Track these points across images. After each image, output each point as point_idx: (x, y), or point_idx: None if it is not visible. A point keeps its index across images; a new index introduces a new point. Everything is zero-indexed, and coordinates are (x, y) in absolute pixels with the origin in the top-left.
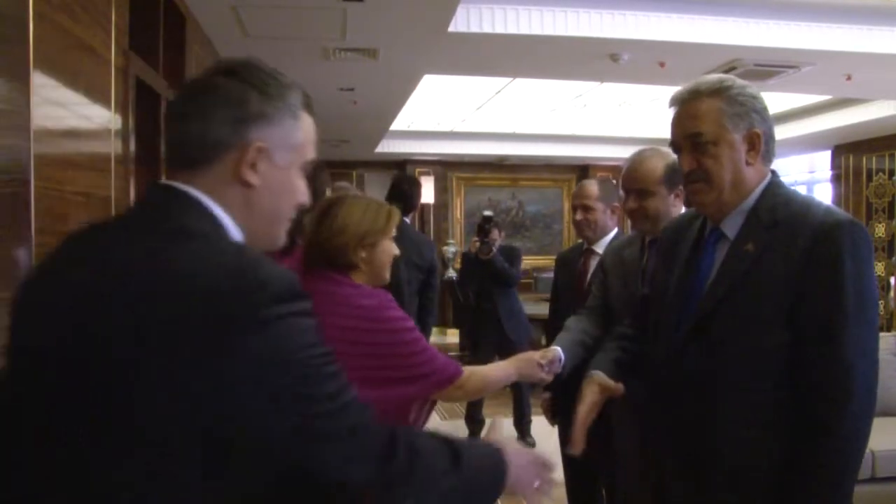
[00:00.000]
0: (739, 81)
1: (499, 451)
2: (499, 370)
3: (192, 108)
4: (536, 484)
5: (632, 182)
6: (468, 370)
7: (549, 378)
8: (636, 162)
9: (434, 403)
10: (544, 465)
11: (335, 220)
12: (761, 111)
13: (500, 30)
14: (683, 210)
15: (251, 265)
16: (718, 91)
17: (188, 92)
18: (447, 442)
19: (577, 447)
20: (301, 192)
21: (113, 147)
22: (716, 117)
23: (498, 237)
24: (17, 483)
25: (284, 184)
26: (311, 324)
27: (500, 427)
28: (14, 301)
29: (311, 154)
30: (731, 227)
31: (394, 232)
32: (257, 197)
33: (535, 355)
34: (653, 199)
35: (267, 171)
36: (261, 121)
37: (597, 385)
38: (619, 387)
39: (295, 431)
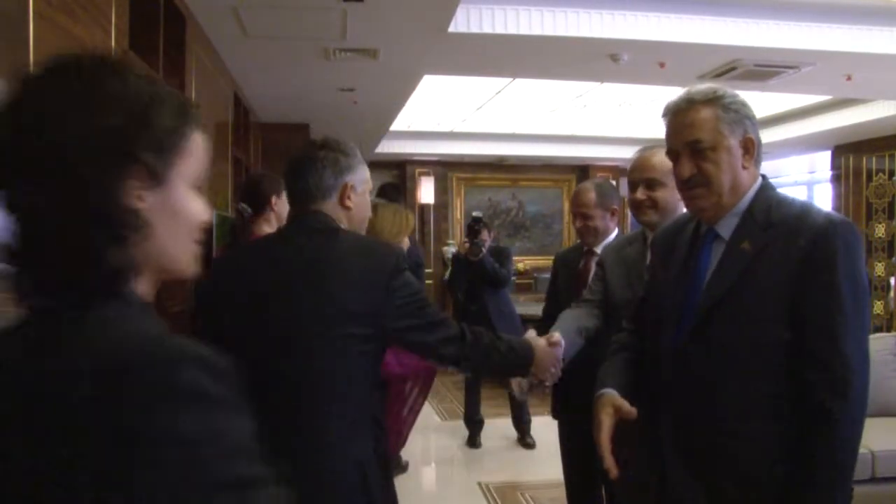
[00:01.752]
0: (730, 90)
1: (531, 347)
2: None
3: (307, 171)
4: (552, 370)
5: (642, 172)
6: None
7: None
8: (647, 153)
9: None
10: (558, 362)
11: (372, 224)
12: (752, 118)
13: (500, 30)
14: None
15: (390, 243)
16: (712, 100)
17: (300, 161)
18: (500, 337)
19: (614, 471)
20: (369, 208)
21: None
22: (713, 125)
23: (488, 238)
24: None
25: (362, 204)
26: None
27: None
28: (218, 283)
29: (370, 184)
30: (725, 227)
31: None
32: (352, 215)
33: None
34: (663, 189)
35: (354, 198)
36: (348, 170)
37: (610, 407)
38: (633, 411)
39: (412, 327)
